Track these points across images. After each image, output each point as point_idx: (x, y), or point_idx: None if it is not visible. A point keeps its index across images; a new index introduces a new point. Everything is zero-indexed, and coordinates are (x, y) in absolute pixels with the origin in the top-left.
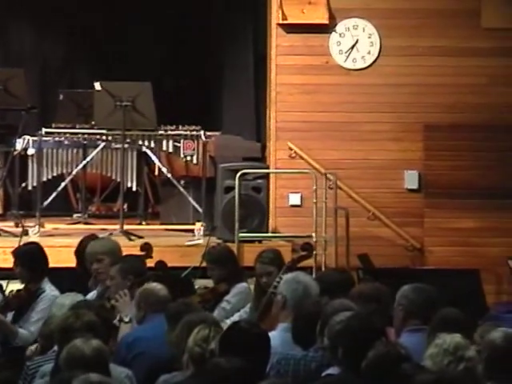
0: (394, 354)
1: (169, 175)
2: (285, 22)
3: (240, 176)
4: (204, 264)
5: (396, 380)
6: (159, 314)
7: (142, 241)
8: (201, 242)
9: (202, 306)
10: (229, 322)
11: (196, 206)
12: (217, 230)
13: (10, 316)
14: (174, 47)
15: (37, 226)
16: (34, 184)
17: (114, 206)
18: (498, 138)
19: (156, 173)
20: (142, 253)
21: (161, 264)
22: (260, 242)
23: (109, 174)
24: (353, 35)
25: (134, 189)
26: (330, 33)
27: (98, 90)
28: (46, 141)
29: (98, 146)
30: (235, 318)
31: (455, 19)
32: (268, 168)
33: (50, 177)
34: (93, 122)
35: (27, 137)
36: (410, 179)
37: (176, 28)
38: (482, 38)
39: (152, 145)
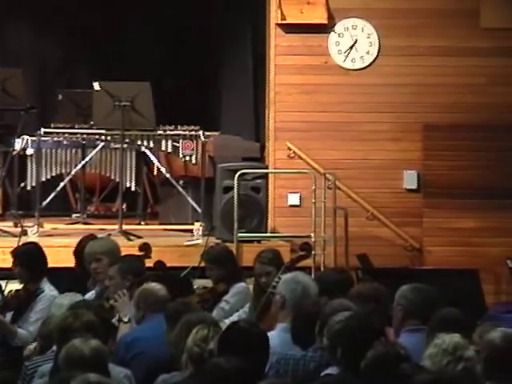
0: (393, 354)
1: (168, 175)
2: (284, 22)
3: (239, 176)
4: (203, 264)
5: (395, 380)
6: (158, 313)
7: (140, 241)
8: (200, 241)
9: (201, 306)
10: (228, 321)
11: (195, 205)
12: (216, 230)
13: (9, 316)
14: (174, 47)
15: (36, 226)
16: (33, 184)
17: (112, 206)
18: (497, 138)
19: (155, 173)
20: (141, 253)
21: (160, 264)
22: (259, 241)
23: (108, 174)
24: (352, 35)
25: (133, 189)
26: (329, 33)
27: (97, 90)
28: (44, 141)
29: (97, 146)
30: (234, 317)
31: (454, 19)
32: (267, 168)
33: (48, 177)
34: (92, 122)
35: (26, 137)
36: (409, 179)
37: (176, 28)
38: (481, 37)
39: (151, 145)
